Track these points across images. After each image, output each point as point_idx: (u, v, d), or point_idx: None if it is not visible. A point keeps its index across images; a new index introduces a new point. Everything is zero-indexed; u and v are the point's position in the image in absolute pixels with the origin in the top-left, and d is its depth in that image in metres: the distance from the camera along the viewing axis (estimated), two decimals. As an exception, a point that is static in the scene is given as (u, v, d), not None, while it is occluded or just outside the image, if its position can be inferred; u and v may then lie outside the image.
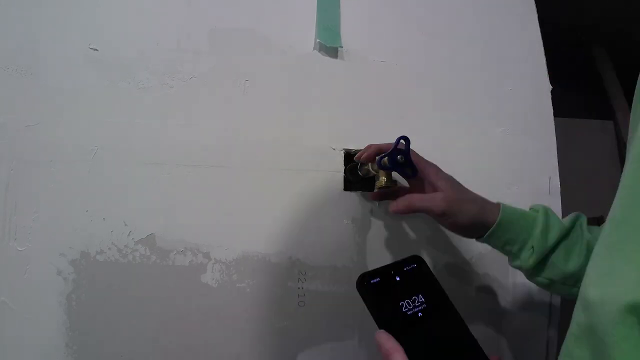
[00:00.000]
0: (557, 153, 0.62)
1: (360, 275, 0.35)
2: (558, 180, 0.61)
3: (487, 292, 0.59)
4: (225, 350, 0.50)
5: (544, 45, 0.66)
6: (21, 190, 0.50)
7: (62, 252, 0.49)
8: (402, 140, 0.47)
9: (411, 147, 0.46)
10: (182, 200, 0.50)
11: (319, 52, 0.56)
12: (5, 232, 0.49)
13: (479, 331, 0.57)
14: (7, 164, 0.50)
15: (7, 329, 0.48)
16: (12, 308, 0.48)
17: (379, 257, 0.54)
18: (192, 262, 0.50)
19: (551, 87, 0.64)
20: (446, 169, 0.58)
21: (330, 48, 0.56)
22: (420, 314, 0.34)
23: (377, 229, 0.54)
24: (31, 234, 0.49)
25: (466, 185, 0.58)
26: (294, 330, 0.51)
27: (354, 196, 0.54)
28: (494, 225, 0.44)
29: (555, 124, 0.64)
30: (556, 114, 0.65)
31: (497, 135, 0.60)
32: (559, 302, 0.62)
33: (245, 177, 0.52)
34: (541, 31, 0.66)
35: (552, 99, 0.64)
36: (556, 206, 0.61)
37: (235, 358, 0.50)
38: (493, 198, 0.59)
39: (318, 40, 0.56)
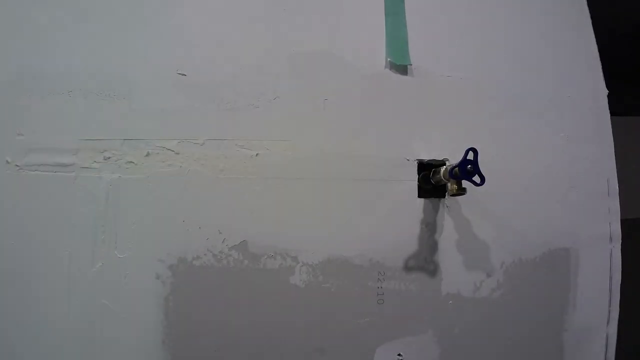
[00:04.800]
0: (618, 153, 0.70)
1: None
2: (616, 182, 0.69)
3: (549, 289, 0.66)
4: (311, 344, 0.60)
5: (603, 42, 0.73)
6: (120, 203, 0.61)
7: (160, 258, 0.59)
8: (470, 152, 0.56)
9: (478, 156, 0.54)
10: (271, 210, 0.60)
11: (390, 70, 0.65)
12: (106, 241, 0.60)
13: (540, 327, 0.66)
14: (107, 178, 0.61)
15: (108, 329, 0.58)
16: (113, 310, 0.59)
17: (451, 258, 0.63)
18: (282, 265, 0.60)
19: (607, 91, 0.72)
20: (510, 175, 0.66)
21: (400, 65, 0.65)
22: None
23: (449, 232, 0.63)
24: (131, 242, 0.60)
25: (527, 190, 0.66)
26: (373, 326, 0.60)
27: (427, 202, 0.62)
28: None
29: (616, 124, 0.71)
30: (617, 112, 0.71)
31: (557, 141, 0.68)
32: (618, 299, 0.69)
33: (328, 187, 0.61)
34: (599, 27, 0.73)
35: (612, 97, 0.71)
36: (615, 207, 0.69)
37: (320, 351, 0.60)
38: (553, 201, 0.67)
39: (388, 59, 0.65)
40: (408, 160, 0.63)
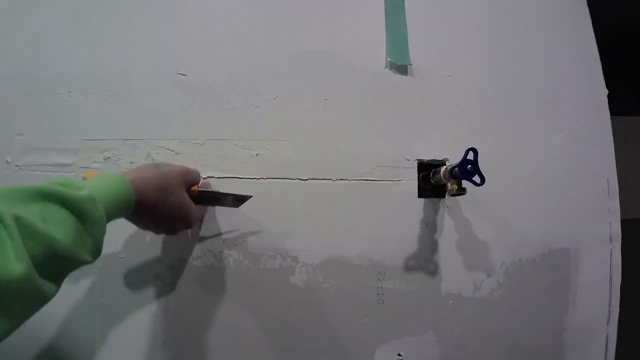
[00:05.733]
0: (618, 153, 0.70)
1: None
2: (616, 181, 0.69)
3: (549, 289, 0.67)
4: (311, 344, 0.60)
5: (604, 43, 0.73)
6: (120, 203, 0.61)
7: (160, 258, 0.60)
8: (470, 152, 0.56)
9: (478, 156, 0.55)
10: (271, 210, 0.60)
11: (390, 70, 0.65)
12: (106, 241, 0.60)
13: (540, 327, 0.66)
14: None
15: (109, 329, 0.58)
16: (113, 310, 0.59)
17: (451, 257, 0.63)
18: (282, 265, 0.60)
19: (607, 91, 0.72)
20: (509, 175, 0.66)
21: (400, 66, 0.65)
22: None
23: (449, 232, 0.63)
24: (131, 242, 0.60)
25: (527, 190, 0.66)
26: (373, 326, 0.61)
27: (427, 202, 0.63)
28: None
29: (616, 124, 0.71)
30: (617, 112, 0.71)
31: (557, 141, 0.68)
32: (618, 299, 0.70)
33: (328, 187, 0.62)
34: (601, 28, 0.74)
35: (614, 98, 0.71)
36: (615, 207, 0.69)
37: (320, 351, 0.60)
38: (553, 201, 0.67)
39: (389, 59, 0.65)
40: (408, 160, 0.63)
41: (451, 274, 0.62)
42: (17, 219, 0.34)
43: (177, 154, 0.62)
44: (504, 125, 0.67)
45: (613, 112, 0.72)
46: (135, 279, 0.59)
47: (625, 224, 0.70)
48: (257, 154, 0.62)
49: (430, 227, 0.62)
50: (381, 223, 0.61)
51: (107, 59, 0.64)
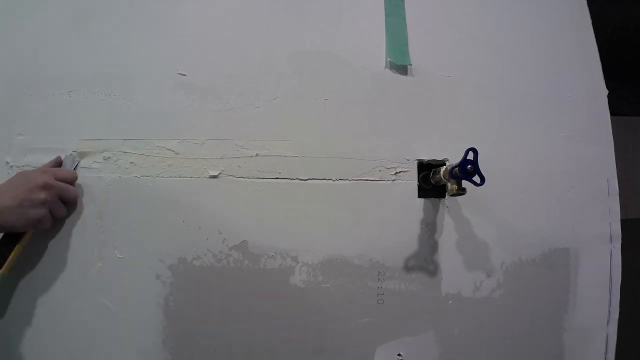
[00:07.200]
0: (618, 153, 0.70)
1: None
2: (617, 182, 0.69)
3: (549, 289, 0.67)
4: (310, 344, 0.60)
5: (604, 43, 0.73)
6: (121, 203, 0.61)
7: (160, 258, 0.60)
8: (470, 152, 0.56)
9: (478, 156, 0.55)
10: (271, 210, 0.60)
11: (390, 70, 0.65)
12: (106, 241, 0.60)
13: (540, 327, 0.66)
14: (107, 178, 0.61)
15: (108, 329, 0.58)
16: (113, 310, 0.59)
17: (451, 257, 0.63)
18: (282, 265, 0.60)
19: (607, 91, 0.72)
20: (509, 175, 0.66)
21: (400, 66, 0.65)
22: None
23: (449, 232, 0.63)
24: (131, 242, 0.60)
25: (527, 190, 0.66)
26: (373, 326, 0.61)
27: (427, 202, 0.63)
28: None
29: (616, 124, 0.71)
30: (617, 112, 0.71)
31: (557, 141, 0.68)
32: (618, 299, 0.70)
33: (328, 187, 0.62)
34: (601, 28, 0.74)
35: (614, 98, 0.71)
36: (615, 207, 0.69)
37: (320, 351, 0.60)
38: (553, 201, 0.67)
39: (389, 59, 0.65)
40: (408, 160, 0.63)
41: (451, 274, 0.62)
42: None
43: (177, 154, 0.62)
44: (504, 125, 0.67)
45: (613, 112, 0.72)
46: (135, 279, 0.59)
47: (625, 224, 0.70)
48: (257, 154, 0.62)
49: (430, 227, 0.62)
50: (381, 223, 0.61)
51: (107, 59, 0.64)
